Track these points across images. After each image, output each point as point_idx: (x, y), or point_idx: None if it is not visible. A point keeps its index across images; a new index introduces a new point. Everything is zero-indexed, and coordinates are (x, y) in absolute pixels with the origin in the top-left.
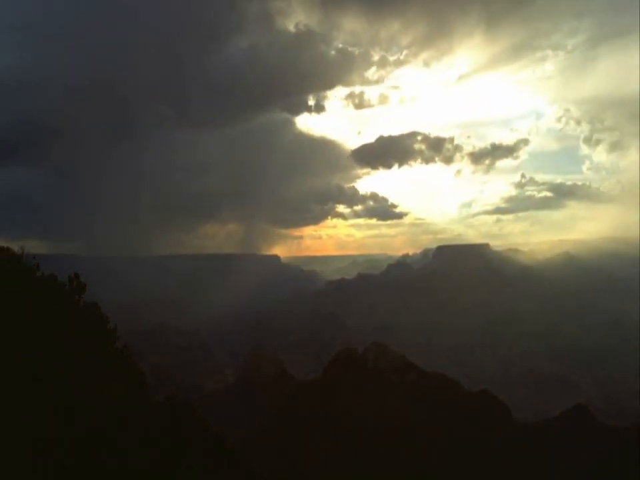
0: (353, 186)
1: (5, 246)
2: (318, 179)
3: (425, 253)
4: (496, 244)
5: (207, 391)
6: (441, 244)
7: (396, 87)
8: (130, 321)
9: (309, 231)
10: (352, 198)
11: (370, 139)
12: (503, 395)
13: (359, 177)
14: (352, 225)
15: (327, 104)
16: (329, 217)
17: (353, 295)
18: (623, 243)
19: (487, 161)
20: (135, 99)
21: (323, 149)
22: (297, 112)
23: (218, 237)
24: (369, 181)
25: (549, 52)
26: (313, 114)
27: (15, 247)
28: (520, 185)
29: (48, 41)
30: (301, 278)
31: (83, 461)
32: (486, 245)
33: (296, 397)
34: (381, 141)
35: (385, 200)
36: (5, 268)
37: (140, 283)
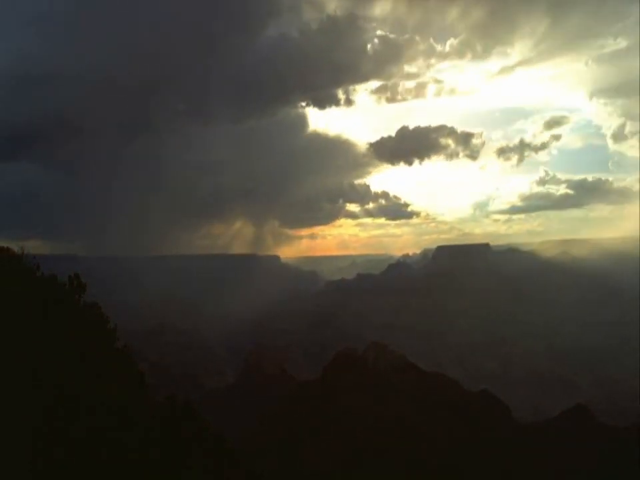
0: (366, 184)
1: (5, 246)
2: (332, 177)
3: (425, 253)
4: (507, 243)
5: (207, 391)
6: (452, 243)
7: (439, 81)
8: (130, 321)
9: (318, 230)
10: (364, 196)
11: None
12: (503, 395)
13: (375, 174)
14: (360, 225)
15: (357, 97)
16: (340, 217)
17: (353, 295)
18: (630, 244)
19: (514, 158)
20: (149, 93)
21: (340, 146)
22: (324, 105)
23: (223, 236)
24: (385, 178)
25: (610, 41)
26: (342, 107)
27: (15, 247)
28: (541, 182)
29: (56, 32)
30: (301, 278)
31: (82, 460)
32: (486, 245)
33: (296, 396)
34: (403, 134)
35: (397, 198)
36: (5, 268)
37: (140, 282)
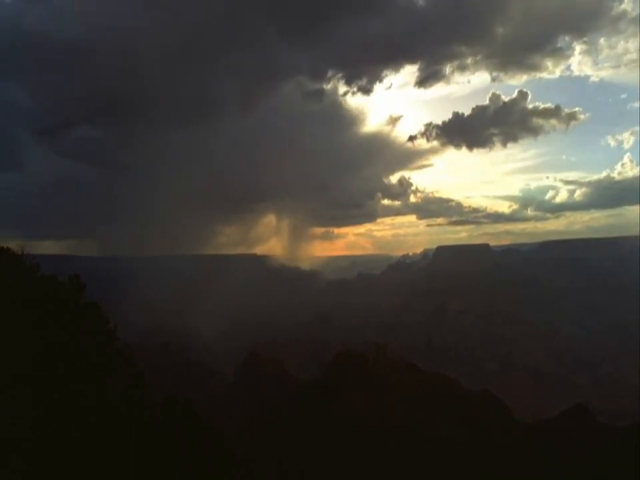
0: (412, 177)
1: (4, 246)
2: (378, 172)
3: (425, 253)
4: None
5: (206, 391)
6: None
7: (586, 52)
8: (130, 321)
9: (352, 230)
10: (404, 192)
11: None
12: (503, 395)
13: (429, 164)
14: (387, 225)
15: (472, 76)
16: (376, 217)
17: (353, 295)
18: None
19: (618, 143)
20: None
21: (398, 137)
22: (427, 84)
23: (245, 237)
24: (443, 167)
25: None
26: (451, 85)
27: (15, 246)
28: (622, 173)
29: None
30: (301, 278)
31: (82, 459)
32: (486, 245)
33: (296, 397)
34: (484, 109)
35: (438, 193)
36: (5, 268)
37: (141, 282)
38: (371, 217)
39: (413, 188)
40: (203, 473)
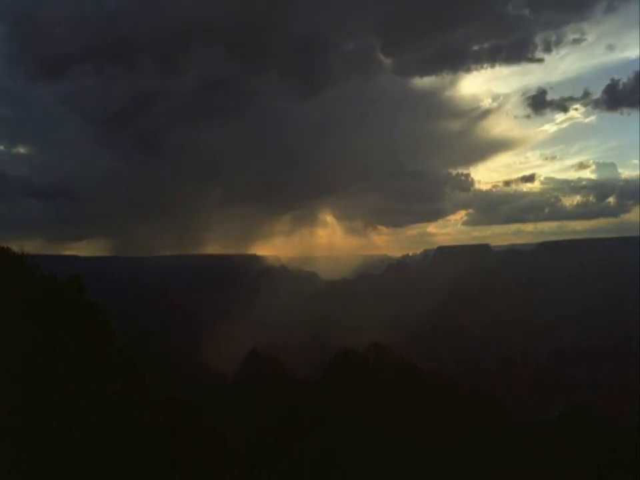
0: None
1: (4, 246)
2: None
3: (425, 253)
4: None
5: (206, 391)
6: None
7: None
8: (130, 321)
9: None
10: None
11: None
12: (503, 395)
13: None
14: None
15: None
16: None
17: (353, 295)
18: None
19: None
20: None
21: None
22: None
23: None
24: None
25: None
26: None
27: (15, 247)
28: None
29: None
30: (301, 278)
31: (82, 460)
32: (486, 246)
33: (296, 397)
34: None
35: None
36: (5, 268)
37: (142, 282)
38: (434, 214)
39: (481, 180)
40: (204, 473)
